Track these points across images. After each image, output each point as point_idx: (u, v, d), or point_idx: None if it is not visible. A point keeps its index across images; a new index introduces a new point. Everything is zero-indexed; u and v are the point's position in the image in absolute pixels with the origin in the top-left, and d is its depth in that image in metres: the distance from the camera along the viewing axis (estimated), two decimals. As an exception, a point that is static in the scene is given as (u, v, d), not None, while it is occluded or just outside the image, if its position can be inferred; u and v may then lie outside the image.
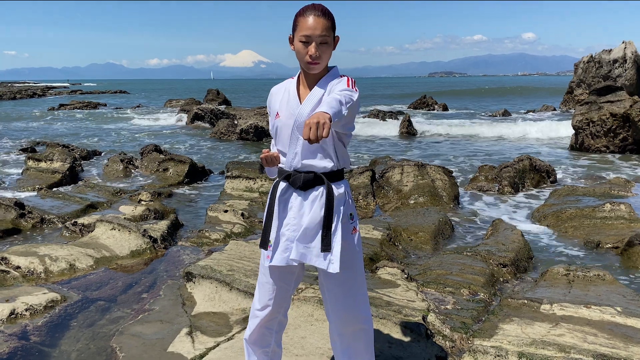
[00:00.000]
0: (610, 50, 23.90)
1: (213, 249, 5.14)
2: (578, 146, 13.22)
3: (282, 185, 2.33)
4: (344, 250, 2.27)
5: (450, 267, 4.37)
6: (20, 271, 4.51)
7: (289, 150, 2.32)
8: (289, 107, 2.32)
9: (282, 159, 2.37)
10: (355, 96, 2.15)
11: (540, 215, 6.55)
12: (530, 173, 8.66)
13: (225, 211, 6.19)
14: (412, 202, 7.11)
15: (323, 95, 2.25)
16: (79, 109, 31.53)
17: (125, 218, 6.00)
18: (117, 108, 32.08)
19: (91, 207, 6.88)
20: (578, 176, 9.42)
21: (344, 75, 2.32)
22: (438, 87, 72.28)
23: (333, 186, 2.27)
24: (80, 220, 5.99)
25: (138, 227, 5.24)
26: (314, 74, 2.29)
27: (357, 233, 2.37)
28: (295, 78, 2.38)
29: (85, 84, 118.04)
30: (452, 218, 6.38)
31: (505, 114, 24.05)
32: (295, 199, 2.29)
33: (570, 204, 6.57)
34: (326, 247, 2.20)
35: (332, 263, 2.21)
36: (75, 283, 4.38)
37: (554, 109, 24.79)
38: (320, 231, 2.23)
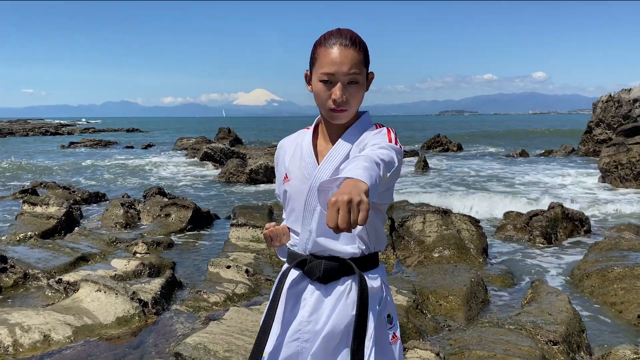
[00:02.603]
0: (630, 90, 23.29)
1: (211, 315, 4.46)
2: (605, 189, 12.46)
3: (294, 274, 1.69)
4: None
5: (493, 347, 3.64)
6: (-15, 345, 3.85)
7: (303, 227, 1.68)
8: (302, 167, 1.69)
9: (293, 237, 1.73)
10: (398, 156, 1.53)
11: (582, 274, 5.81)
12: (562, 222, 7.93)
13: (228, 267, 5.53)
14: (436, 255, 6.41)
15: (350, 152, 1.63)
16: (89, 147, 31.33)
17: (115, 275, 5.37)
18: (127, 147, 31.84)
19: (82, 260, 6.25)
20: (613, 225, 8.65)
21: (381, 125, 1.69)
22: (451, 128, 72.13)
23: (366, 277, 1.63)
24: (66, 277, 5.34)
25: (126, 289, 4.58)
26: (339, 125, 1.67)
27: (398, 341, 1.71)
28: (312, 128, 1.75)
29: (95, 121, 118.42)
30: (483, 276, 5.66)
31: (523, 154, 23.36)
32: (311, 294, 1.64)
33: (615, 260, 5.83)
34: None
35: None
36: (46, 360, 3.71)
37: (573, 149, 24.08)
38: (349, 343, 1.58)
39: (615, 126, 22.40)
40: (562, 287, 5.60)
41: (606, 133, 22.93)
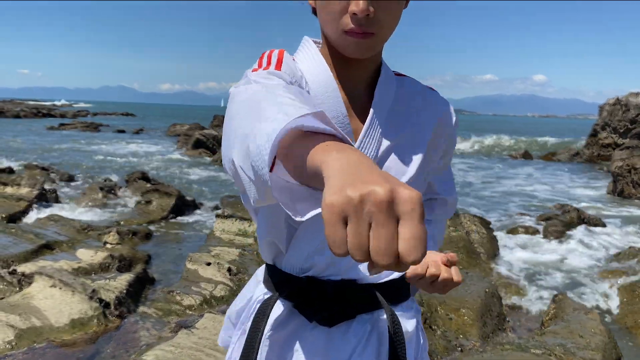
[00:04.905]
0: (638, 94, 22.69)
1: (183, 321, 3.80)
2: (617, 194, 11.86)
3: (279, 309, 1.01)
4: None
5: (520, 378, 3.00)
6: None
7: (303, 231, 1.00)
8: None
9: (279, 246, 1.03)
10: None
11: (606, 287, 5.18)
12: (578, 227, 7.31)
13: (208, 264, 4.86)
14: (442, 259, 5.76)
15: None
16: (79, 129, 30.49)
17: (79, 268, 4.69)
18: (118, 131, 31.05)
19: (46, 248, 5.56)
20: (630, 234, 8.03)
21: (430, 87, 1.04)
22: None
23: (399, 315, 0.97)
24: (21, 268, 4.66)
25: (85, 287, 3.91)
26: (358, 62, 0.97)
27: None
28: (317, 57, 0.98)
29: (88, 105, 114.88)
30: (496, 285, 5.02)
31: (526, 156, 22.73)
32: (309, 343, 0.96)
33: (645, 273, 5.20)
34: None
35: None
36: (-25, 373, 3.05)
37: (577, 153, 23.48)
38: None
39: (621, 130, 21.83)
40: (582, 300, 4.97)
41: (612, 137, 22.33)
